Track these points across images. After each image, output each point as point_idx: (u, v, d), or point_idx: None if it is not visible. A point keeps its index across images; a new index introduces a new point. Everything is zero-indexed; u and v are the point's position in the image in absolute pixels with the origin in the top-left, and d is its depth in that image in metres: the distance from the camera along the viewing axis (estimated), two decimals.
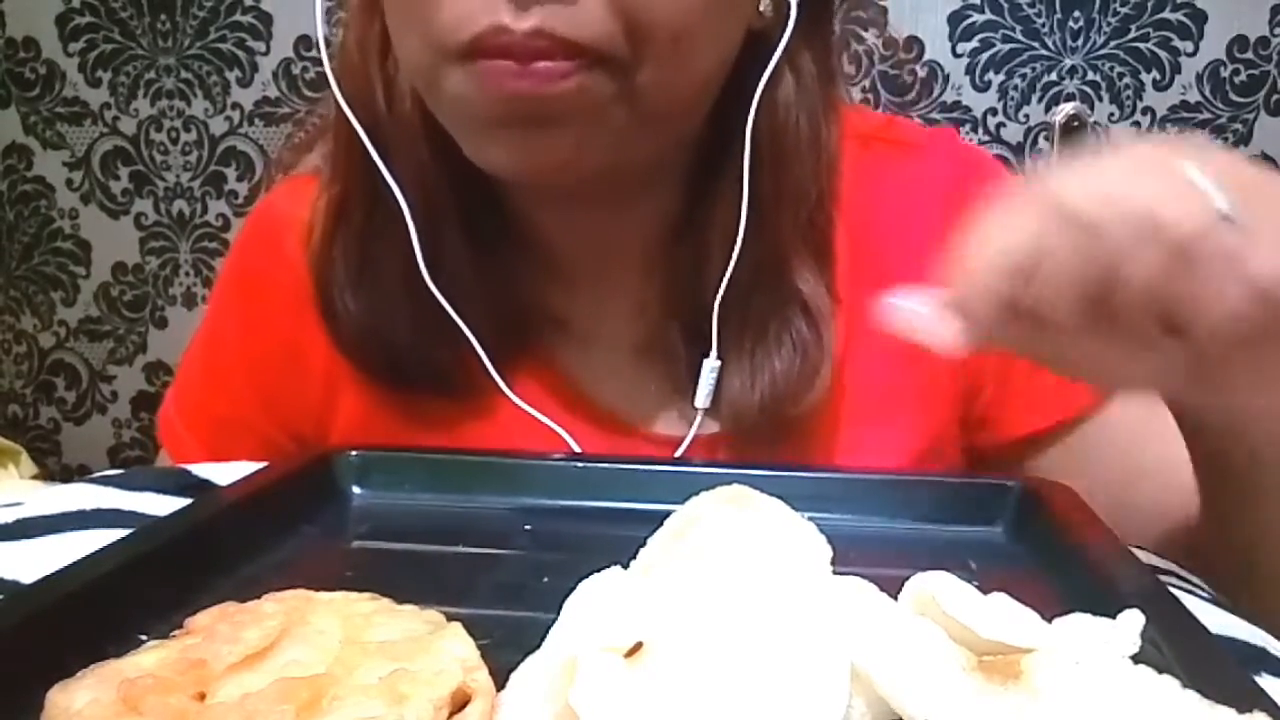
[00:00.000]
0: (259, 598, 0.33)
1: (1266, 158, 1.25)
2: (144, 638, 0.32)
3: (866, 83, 1.29)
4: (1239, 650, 0.37)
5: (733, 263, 0.55)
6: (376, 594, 0.34)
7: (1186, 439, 0.52)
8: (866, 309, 0.43)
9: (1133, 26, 1.25)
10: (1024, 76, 1.29)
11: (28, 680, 0.28)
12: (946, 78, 1.30)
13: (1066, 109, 1.27)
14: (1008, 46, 1.28)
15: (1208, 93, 1.25)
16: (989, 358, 0.59)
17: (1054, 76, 1.28)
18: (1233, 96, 1.25)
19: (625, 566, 0.32)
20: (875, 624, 0.28)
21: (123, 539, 0.39)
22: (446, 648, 0.30)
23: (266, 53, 1.43)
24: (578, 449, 0.58)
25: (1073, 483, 0.49)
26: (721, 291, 0.56)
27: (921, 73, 1.30)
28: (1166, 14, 1.24)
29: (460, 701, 0.28)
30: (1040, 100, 1.29)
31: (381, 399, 0.62)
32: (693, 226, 0.58)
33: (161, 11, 1.45)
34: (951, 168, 0.63)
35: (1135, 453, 0.59)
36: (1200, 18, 1.23)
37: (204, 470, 0.51)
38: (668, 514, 0.34)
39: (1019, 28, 1.27)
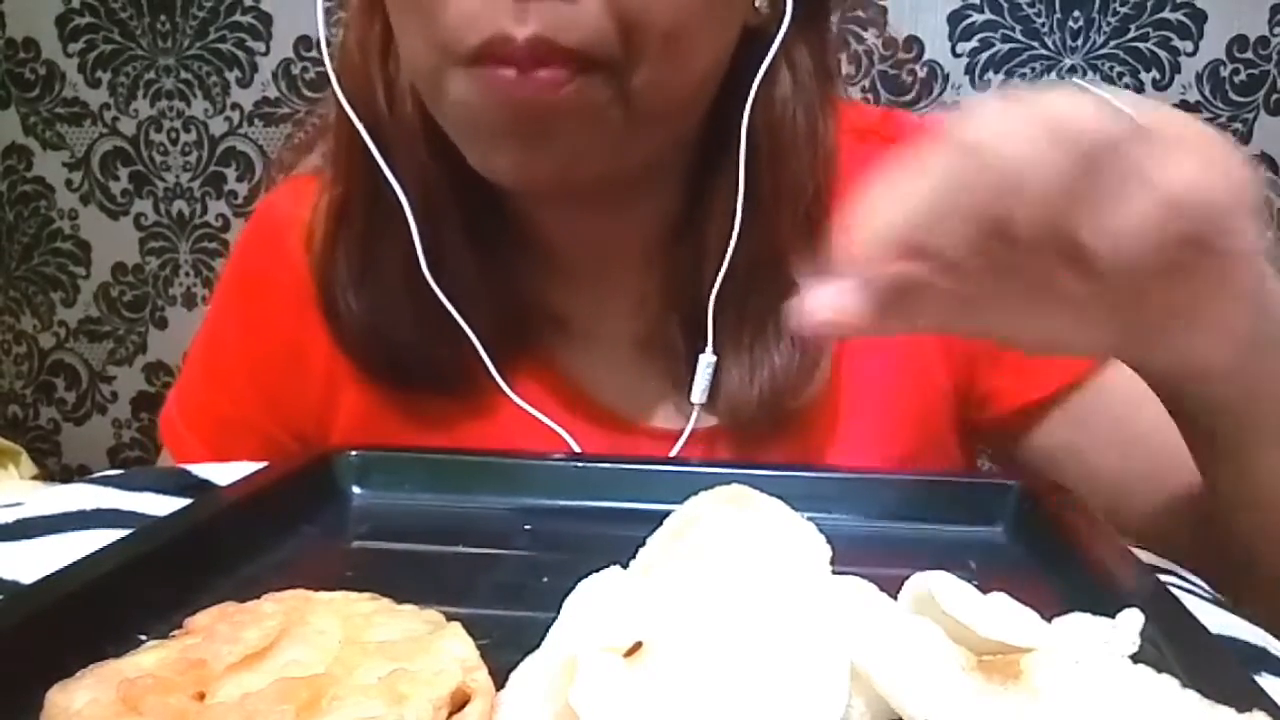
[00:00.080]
0: (259, 598, 0.33)
1: (1266, 158, 1.25)
2: (144, 638, 0.32)
3: (866, 82, 1.29)
4: (1239, 650, 0.37)
5: (728, 258, 0.55)
6: (376, 594, 0.34)
7: (1174, 418, 0.50)
8: None
9: (1132, 26, 1.25)
10: (1024, 76, 1.29)
11: (27, 680, 0.28)
12: (946, 78, 1.30)
13: None
14: (1007, 46, 1.28)
15: (1207, 92, 1.25)
16: (979, 342, 0.59)
17: (1054, 76, 1.28)
18: (1232, 96, 1.25)
19: (625, 566, 0.32)
20: (875, 623, 0.28)
21: (123, 539, 0.39)
22: (446, 648, 0.29)
23: (266, 53, 1.43)
24: (578, 449, 0.58)
25: (1074, 450, 0.48)
26: (718, 286, 0.56)
27: (921, 73, 1.30)
28: (1166, 14, 1.24)
29: (460, 701, 0.28)
30: None
31: (382, 398, 0.62)
32: (692, 223, 0.59)
33: (161, 12, 1.45)
34: None
35: (1132, 415, 0.59)
36: (1200, 18, 1.23)
37: (204, 470, 0.51)
38: (667, 514, 0.34)
39: (1019, 28, 1.27)
